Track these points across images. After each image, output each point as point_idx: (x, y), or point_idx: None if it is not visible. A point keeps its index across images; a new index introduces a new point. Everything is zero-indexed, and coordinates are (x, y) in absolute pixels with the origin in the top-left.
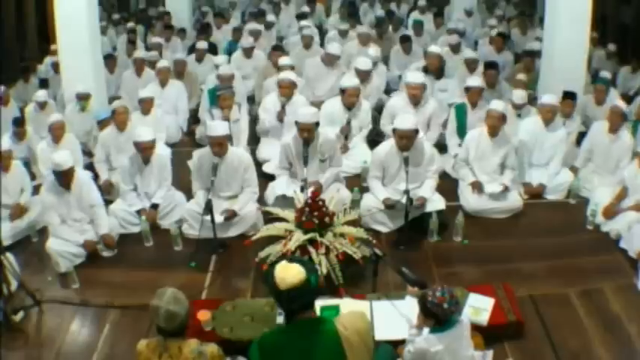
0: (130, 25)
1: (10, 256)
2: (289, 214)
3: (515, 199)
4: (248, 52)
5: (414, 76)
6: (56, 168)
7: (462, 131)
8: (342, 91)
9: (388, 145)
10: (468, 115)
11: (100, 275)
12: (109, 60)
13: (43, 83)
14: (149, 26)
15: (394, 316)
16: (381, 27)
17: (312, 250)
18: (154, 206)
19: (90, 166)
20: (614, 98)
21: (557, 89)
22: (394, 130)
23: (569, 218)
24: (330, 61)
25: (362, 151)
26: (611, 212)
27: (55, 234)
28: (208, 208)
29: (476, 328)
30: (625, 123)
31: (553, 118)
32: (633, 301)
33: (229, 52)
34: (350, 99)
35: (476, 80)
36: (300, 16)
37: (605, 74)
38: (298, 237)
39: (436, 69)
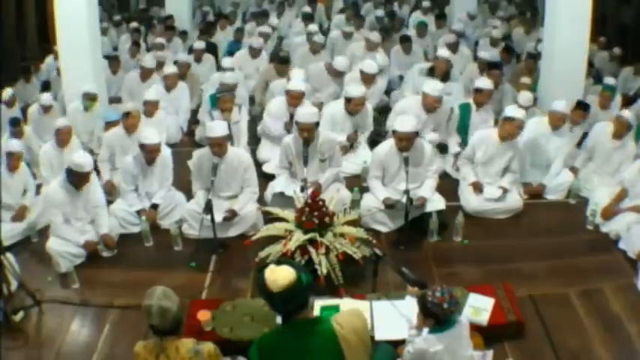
0: (134, 25)
1: (10, 256)
2: (289, 214)
3: (515, 200)
4: (256, 53)
5: (433, 87)
6: (76, 169)
7: (463, 131)
8: (348, 100)
9: (388, 145)
10: (471, 115)
11: (100, 275)
12: (113, 61)
13: (46, 86)
14: (150, 26)
15: (394, 316)
16: (386, 31)
17: (312, 250)
18: (154, 206)
19: None
20: (618, 104)
21: (557, 89)
22: (394, 132)
23: (569, 218)
24: (334, 73)
25: (362, 151)
26: (610, 213)
27: (56, 233)
28: (208, 208)
29: (476, 328)
30: (630, 132)
31: (562, 125)
32: (633, 301)
33: (230, 52)
34: (356, 107)
35: (488, 83)
36: (306, 18)
37: (611, 80)
38: (298, 237)
39: (443, 73)
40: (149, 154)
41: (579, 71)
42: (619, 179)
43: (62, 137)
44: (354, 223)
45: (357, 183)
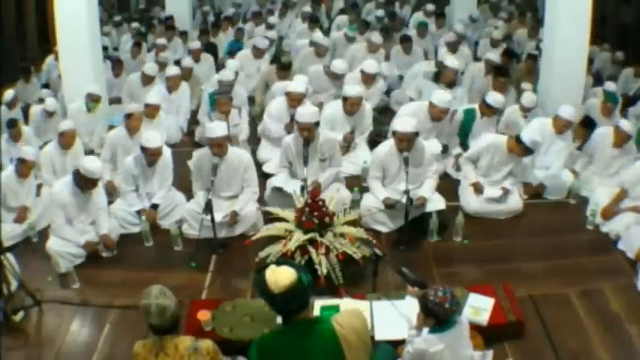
0: (135, 25)
1: (10, 256)
2: (289, 214)
3: (515, 201)
4: (260, 54)
5: (441, 98)
6: (87, 174)
7: (464, 136)
8: (344, 99)
9: (388, 146)
10: (475, 121)
11: (100, 275)
12: (117, 64)
13: (46, 86)
14: (150, 27)
15: (394, 316)
16: (387, 31)
17: (312, 250)
18: (154, 206)
19: None
20: (619, 109)
21: (556, 89)
22: (394, 132)
23: (569, 218)
24: (333, 76)
25: (362, 151)
26: (609, 213)
27: (56, 233)
28: (208, 208)
29: (476, 328)
30: (630, 140)
31: (566, 130)
32: (633, 301)
33: (231, 52)
34: (352, 107)
35: (499, 102)
36: (312, 20)
37: (612, 86)
38: (298, 237)
39: (450, 81)
40: (150, 157)
41: (579, 71)
42: (619, 180)
43: (67, 140)
44: (354, 223)
45: (357, 183)
